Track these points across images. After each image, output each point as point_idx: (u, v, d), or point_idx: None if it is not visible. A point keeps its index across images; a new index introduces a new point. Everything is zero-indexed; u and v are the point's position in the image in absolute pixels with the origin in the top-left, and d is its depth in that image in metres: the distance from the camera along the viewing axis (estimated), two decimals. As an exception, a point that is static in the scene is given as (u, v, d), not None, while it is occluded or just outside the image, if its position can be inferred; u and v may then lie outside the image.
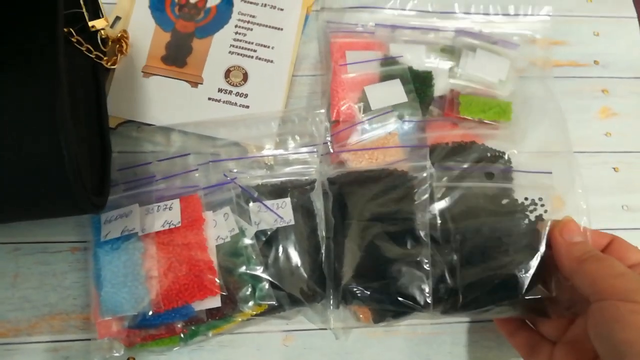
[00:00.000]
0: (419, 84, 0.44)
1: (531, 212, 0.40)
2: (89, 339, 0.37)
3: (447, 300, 0.37)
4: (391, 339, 0.40)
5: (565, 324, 0.36)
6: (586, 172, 0.46)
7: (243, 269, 0.38)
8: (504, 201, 0.40)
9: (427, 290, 0.37)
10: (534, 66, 0.48)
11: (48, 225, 0.39)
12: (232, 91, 0.43)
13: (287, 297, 0.38)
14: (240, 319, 0.38)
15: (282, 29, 0.44)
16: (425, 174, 0.39)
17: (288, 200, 0.40)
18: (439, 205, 0.39)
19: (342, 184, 0.40)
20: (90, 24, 0.39)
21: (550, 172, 0.42)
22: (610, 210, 0.45)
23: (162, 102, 0.42)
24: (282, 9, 0.44)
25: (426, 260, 0.37)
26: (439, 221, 0.38)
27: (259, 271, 0.38)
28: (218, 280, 0.37)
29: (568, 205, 0.43)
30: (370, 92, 0.42)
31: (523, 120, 0.45)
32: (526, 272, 0.37)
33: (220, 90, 0.43)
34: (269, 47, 0.44)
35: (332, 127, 0.43)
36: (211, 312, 0.37)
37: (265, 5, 0.44)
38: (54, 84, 0.30)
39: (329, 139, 0.42)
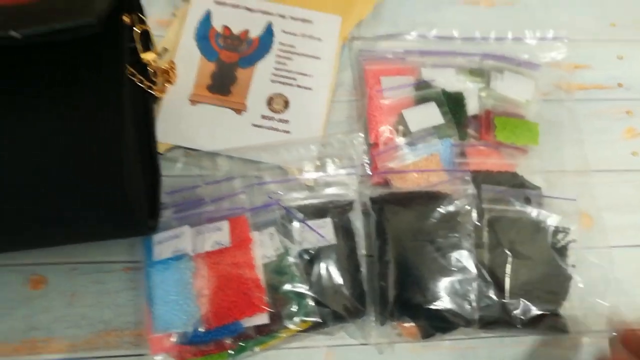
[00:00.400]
0: (453, 105, 0.46)
1: (561, 239, 0.43)
2: (142, 355, 0.39)
3: (492, 316, 0.39)
4: (429, 354, 0.41)
5: None
6: (613, 191, 0.47)
7: (288, 286, 0.40)
8: (541, 226, 0.42)
9: (473, 305, 0.39)
10: (558, 89, 0.50)
11: (102, 246, 0.41)
12: (274, 117, 0.45)
13: (330, 314, 0.40)
14: (285, 335, 0.40)
15: (320, 58, 0.47)
16: (468, 197, 0.42)
17: (329, 220, 0.42)
18: (483, 226, 0.41)
19: (386, 204, 0.42)
20: (142, 56, 0.42)
21: (575, 199, 0.44)
22: (637, 229, 0.46)
23: (209, 129, 0.44)
24: (320, 39, 0.47)
25: (472, 277, 0.40)
26: (485, 241, 0.40)
27: (303, 289, 0.40)
28: (265, 298, 0.38)
29: (596, 223, 0.45)
30: (408, 115, 0.44)
31: (548, 142, 0.47)
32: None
33: (263, 117, 0.45)
34: (308, 75, 0.46)
35: (371, 149, 0.45)
36: (259, 329, 0.39)
37: (304, 35, 0.47)
38: (119, 117, 0.32)
39: (367, 161, 0.44)
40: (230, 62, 0.46)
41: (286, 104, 0.45)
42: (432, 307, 0.39)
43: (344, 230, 0.42)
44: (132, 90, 0.41)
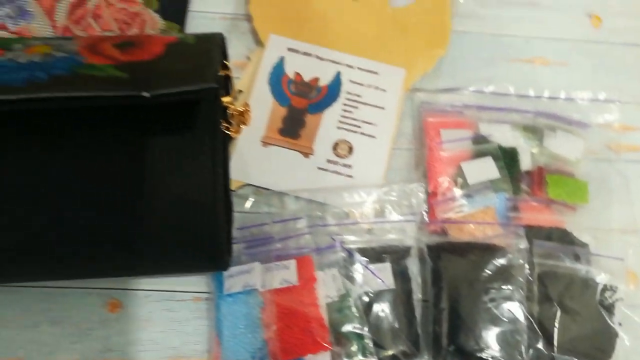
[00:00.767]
0: (507, 160, 0.49)
1: (609, 297, 0.44)
2: (209, 383, 0.41)
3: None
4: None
5: None
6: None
7: (348, 327, 0.42)
8: (590, 283, 0.44)
9: (523, 356, 0.41)
10: (608, 149, 0.52)
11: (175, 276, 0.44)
12: (338, 162, 0.48)
13: (387, 356, 0.42)
14: (344, 374, 0.42)
15: (384, 108, 0.49)
16: (521, 251, 0.44)
17: (389, 265, 0.44)
18: (534, 280, 0.43)
19: (442, 252, 0.44)
20: (223, 99, 0.45)
21: (622, 259, 0.46)
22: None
23: (278, 169, 0.47)
24: (384, 90, 0.50)
25: (523, 329, 0.42)
26: (535, 295, 0.42)
27: (362, 330, 0.42)
28: (328, 337, 0.41)
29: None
30: (466, 168, 0.47)
31: (597, 200, 0.49)
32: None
33: (328, 161, 0.48)
34: (372, 124, 0.49)
35: (429, 198, 0.47)
36: (320, 366, 0.41)
37: (370, 86, 0.50)
38: (215, 162, 0.35)
39: (425, 209, 0.47)
40: (300, 107, 0.49)
41: (350, 149, 0.48)
42: (483, 355, 0.41)
43: (401, 275, 0.44)
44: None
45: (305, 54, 0.50)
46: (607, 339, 0.44)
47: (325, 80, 0.50)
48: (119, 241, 0.34)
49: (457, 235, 0.46)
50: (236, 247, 0.44)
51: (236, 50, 0.51)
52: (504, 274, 0.44)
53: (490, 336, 0.42)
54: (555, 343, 0.43)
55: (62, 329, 0.41)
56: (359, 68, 0.50)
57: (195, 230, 0.35)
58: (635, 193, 0.51)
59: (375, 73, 0.50)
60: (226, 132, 0.46)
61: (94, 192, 0.32)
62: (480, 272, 0.44)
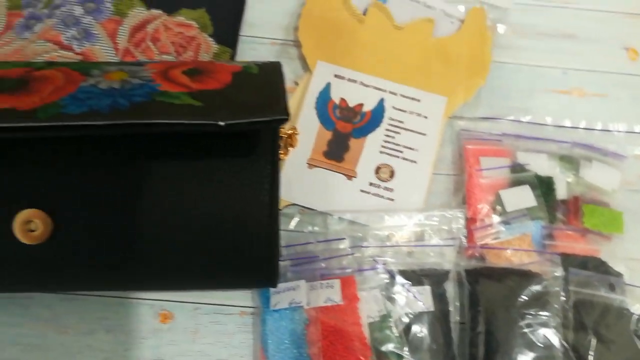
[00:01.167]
0: (544, 189, 0.50)
1: None
2: (254, 396, 0.43)
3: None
4: None
5: None
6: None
7: (389, 346, 0.43)
8: (625, 313, 0.45)
9: None
10: (644, 181, 0.54)
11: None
12: (380, 185, 0.50)
13: (425, 376, 0.43)
14: (383, 392, 0.43)
15: (425, 135, 0.51)
16: (557, 279, 0.45)
17: (428, 288, 0.46)
18: (569, 308, 0.45)
19: (480, 277, 0.46)
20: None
21: None
22: None
23: (322, 191, 0.49)
24: (426, 117, 0.52)
25: (558, 356, 0.43)
26: (570, 322, 0.43)
27: (402, 351, 0.43)
28: (370, 355, 0.42)
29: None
30: (505, 196, 0.48)
31: (632, 231, 0.50)
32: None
33: (370, 184, 0.50)
34: (413, 149, 0.51)
35: (468, 223, 0.48)
36: (362, 384, 0.43)
37: (412, 112, 0.52)
38: (272, 185, 0.37)
39: (464, 234, 0.48)
40: (345, 132, 0.51)
41: (392, 173, 0.50)
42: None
43: (440, 298, 0.46)
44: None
45: (351, 80, 0.53)
46: (641, 368, 0.45)
47: (369, 106, 0.52)
48: (182, 259, 0.37)
49: (494, 260, 0.47)
50: (282, 264, 0.46)
51: (285, 75, 0.54)
52: (540, 301, 0.45)
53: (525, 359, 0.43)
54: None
55: (116, 336, 0.44)
56: (401, 95, 0.52)
57: (253, 252, 0.37)
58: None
59: (418, 100, 0.52)
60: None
61: (164, 213, 0.35)
62: (516, 297, 0.45)
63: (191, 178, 0.36)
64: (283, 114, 0.32)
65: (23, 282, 0.37)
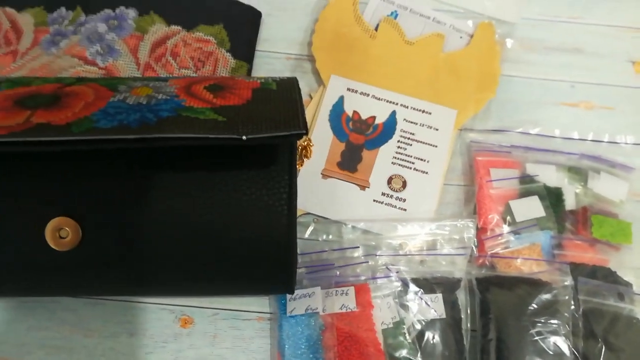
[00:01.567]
0: (553, 200, 0.51)
1: None
2: (271, 399, 0.44)
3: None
4: None
5: None
6: None
7: (402, 353, 0.45)
8: (634, 322, 0.46)
9: None
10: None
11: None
12: (392, 195, 0.51)
13: (437, 382, 0.45)
14: (396, 397, 0.44)
15: (436, 146, 0.53)
16: (566, 288, 0.46)
17: (440, 295, 0.47)
18: (579, 316, 0.45)
19: (491, 285, 0.47)
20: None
21: None
22: None
23: (336, 200, 0.50)
24: (437, 129, 0.53)
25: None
26: (580, 330, 0.44)
27: (415, 357, 0.44)
28: (384, 361, 0.44)
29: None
30: (514, 206, 0.50)
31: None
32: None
33: (383, 194, 0.51)
34: (424, 160, 0.52)
35: (479, 233, 0.50)
36: (375, 388, 0.44)
37: (423, 125, 0.53)
38: (291, 196, 0.38)
39: (475, 243, 0.49)
40: (357, 143, 0.52)
41: (404, 184, 0.51)
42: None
43: (452, 306, 0.47)
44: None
45: (363, 93, 0.54)
46: (650, 377, 0.46)
47: (381, 119, 0.54)
48: (205, 267, 0.38)
49: (505, 269, 0.48)
50: (298, 272, 0.47)
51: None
52: (550, 309, 0.46)
53: (535, 367, 0.44)
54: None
55: (138, 340, 0.45)
56: (413, 108, 0.54)
57: (271, 260, 0.38)
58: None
59: (429, 113, 0.54)
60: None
61: (188, 221, 0.36)
62: (527, 305, 0.46)
63: (214, 188, 0.37)
64: (301, 128, 0.34)
65: (52, 287, 0.39)
